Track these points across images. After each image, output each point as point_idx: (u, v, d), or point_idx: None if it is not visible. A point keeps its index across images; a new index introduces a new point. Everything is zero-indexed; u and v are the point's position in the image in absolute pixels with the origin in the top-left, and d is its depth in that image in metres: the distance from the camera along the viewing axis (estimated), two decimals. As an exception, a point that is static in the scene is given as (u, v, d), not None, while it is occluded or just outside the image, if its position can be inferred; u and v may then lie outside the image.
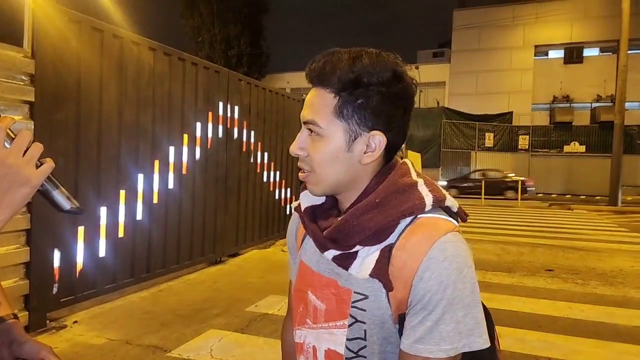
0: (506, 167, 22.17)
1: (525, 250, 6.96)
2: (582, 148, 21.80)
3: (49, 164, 0.64)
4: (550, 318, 3.91)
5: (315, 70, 0.73)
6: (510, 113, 23.21)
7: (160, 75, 4.45)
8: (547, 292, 4.73)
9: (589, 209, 14.19)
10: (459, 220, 0.77)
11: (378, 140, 0.72)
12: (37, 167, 0.63)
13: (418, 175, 0.76)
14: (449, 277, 0.65)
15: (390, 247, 0.70)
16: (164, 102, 4.51)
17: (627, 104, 15.26)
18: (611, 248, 7.30)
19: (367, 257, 0.71)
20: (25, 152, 0.62)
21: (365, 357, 0.73)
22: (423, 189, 0.72)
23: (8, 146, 0.62)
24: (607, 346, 3.31)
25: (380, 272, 0.69)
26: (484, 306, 0.79)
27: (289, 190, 7.26)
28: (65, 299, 3.47)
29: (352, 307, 0.73)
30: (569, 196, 19.98)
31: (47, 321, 3.33)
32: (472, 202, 15.26)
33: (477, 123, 22.50)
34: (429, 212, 0.71)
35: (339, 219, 0.74)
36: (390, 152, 0.76)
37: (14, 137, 0.63)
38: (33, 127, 3.13)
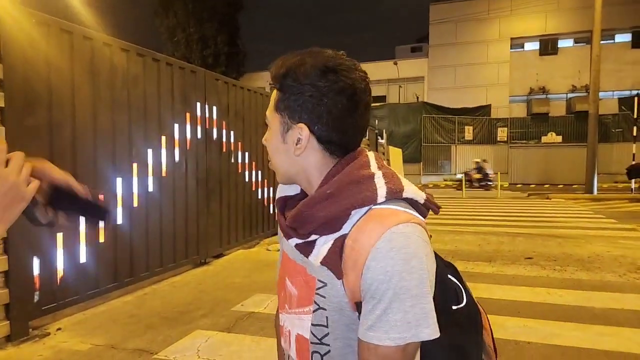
0: (486, 159, 22.59)
1: (505, 240, 7.11)
2: (559, 138, 22.34)
3: (35, 183, 0.70)
4: (529, 304, 4.01)
5: (270, 71, 0.80)
6: (489, 106, 23.65)
7: (134, 77, 4.39)
8: (526, 279, 4.84)
9: (566, 198, 14.56)
10: (429, 212, 0.79)
11: (304, 132, 0.75)
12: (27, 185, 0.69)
13: (380, 167, 0.77)
14: (394, 267, 0.66)
15: (343, 237, 0.72)
16: (139, 104, 4.45)
17: (601, 94, 15.72)
18: (588, 234, 7.50)
19: (322, 245, 0.74)
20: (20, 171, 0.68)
21: (328, 344, 0.75)
22: (379, 180, 0.73)
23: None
24: (585, 329, 3.41)
25: (330, 260, 0.72)
26: (474, 303, 0.82)
27: (271, 189, 7.25)
28: (47, 306, 3.41)
29: (316, 293, 0.76)
30: (547, 186, 20.45)
31: (30, 329, 3.27)
32: (453, 195, 15.50)
33: (456, 117, 22.83)
34: (384, 203, 0.72)
35: (295, 208, 0.77)
36: (331, 145, 0.76)
37: (7, 158, 0.69)
38: (4, 133, 3.06)
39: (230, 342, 3.22)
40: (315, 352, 0.77)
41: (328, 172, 0.77)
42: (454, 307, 0.77)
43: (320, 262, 0.74)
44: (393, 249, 0.66)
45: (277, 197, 0.90)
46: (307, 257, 0.76)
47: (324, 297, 0.75)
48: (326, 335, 0.75)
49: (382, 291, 0.66)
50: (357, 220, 0.71)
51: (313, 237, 0.75)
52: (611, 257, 5.80)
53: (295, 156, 0.77)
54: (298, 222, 0.76)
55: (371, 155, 0.80)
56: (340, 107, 0.74)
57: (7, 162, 0.67)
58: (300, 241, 0.78)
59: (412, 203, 0.75)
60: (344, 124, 0.75)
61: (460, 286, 0.81)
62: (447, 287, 0.78)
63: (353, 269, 0.69)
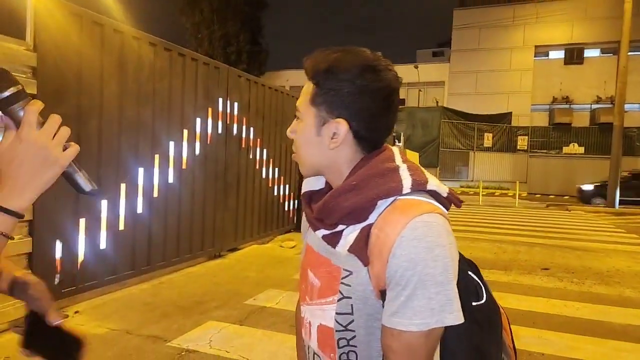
0: (505, 167, 22.24)
1: (522, 249, 7.00)
2: (581, 149, 21.82)
3: (75, 147, 0.67)
4: (545, 315, 3.95)
5: (305, 64, 0.82)
6: (510, 113, 23.24)
7: (160, 71, 4.48)
8: (542, 290, 4.77)
9: (586, 210, 14.25)
10: (451, 205, 0.81)
11: (341, 127, 0.77)
12: (64, 150, 0.66)
13: (404, 161, 0.80)
14: (419, 254, 0.68)
15: (369, 226, 0.74)
16: (164, 98, 4.54)
17: (626, 106, 15.31)
18: (608, 248, 7.33)
19: (349, 235, 0.77)
20: (55, 135, 0.65)
21: (354, 330, 0.77)
22: (404, 172, 0.76)
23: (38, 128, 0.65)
24: (602, 343, 3.34)
25: (357, 248, 0.74)
26: (494, 302, 0.83)
27: (287, 186, 7.29)
28: (67, 289, 3.51)
29: (341, 283, 0.78)
30: (567, 197, 20.03)
31: (48, 311, 3.36)
32: (469, 202, 15.32)
33: (475, 123, 22.53)
34: (409, 194, 0.74)
35: (322, 200, 0.80)
36: (363, 141, 0.80)
37: (43, 120, 0.66)
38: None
39: (242, 335, 3.26)
40: (341, 338, 0.79)
41: (355, 166, 0.79)
42: (474, 304, 0.78)
43: (348, 250, 0.76)
44: (417, 238, 0.69)
45: (302, 191, 0.92)
46: (334, 248, 0.78)
47: (349, 285, 0.77)
48: (351, 322, 0.77)
49: (407, 278, 0.68)
50: (383, 210, 0.74)
51: (340, 227, 0.78)
52: (632, 273, 5.67)
53: (329, 149, 0.79)
54: (324, 213, 0.79)
55: (395, 150, 0.82)
56: (377, 106, 0.77)
57: (42, 124, 0.65)
58: (327, 232, 0.80)
59: (435, 195, 0.77)
60: (378, 122, 0.78)
61: (481, 283, 0.81)
62: (467, 283, 0.79)
63: (379, 257, 0.71)
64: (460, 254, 0.80)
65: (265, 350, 3.03)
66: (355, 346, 0.78)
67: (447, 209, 0.78)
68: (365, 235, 0.74)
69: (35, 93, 3.19)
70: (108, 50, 3.86)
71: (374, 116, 0.78)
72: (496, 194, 20.01)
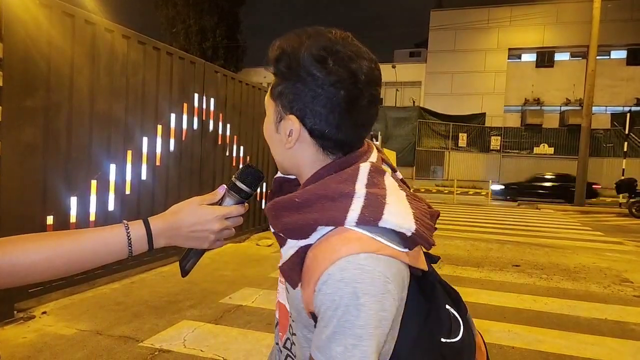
0: (478, 167, 22.72)
1: (494, 247, 7.18)
2: (551, 150, 22.51)
3: (221, 244, 0.80)
4: (515, 310, 4.06)
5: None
6: (484, 114, 23.77)
7: (134, 64, 4.37)
8: (513, 286, 4.90)
9: (555, 209, 14.72)
10: (413, 246, 0.65)
11: (295, 125, 0.67)
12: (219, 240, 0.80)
13: (371, 184, 0.65)
14: (342, 299, 0.59)
15: (307, 248, 0.66)
16: (137, 92, 4.43)
17: (594, 109, 15.92)
18: (575, 245, 7.60)
19: (289, 249, 0.69)
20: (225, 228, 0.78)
21: (295, 333, 0.75)
22: (356, 202, 0.62)
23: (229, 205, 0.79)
24: (568, 336, 3.47)
25: (287, 269, 0.68)
26: (472, 340, 0.74)
27: (264, 184, 7.24)
28: (34, 289, 3.39)
29: (285, 283, 0.74)
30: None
31: (15, 312, 3.25)
32: (444, 200, 15.60)
33: (451, 123, 22.95)
34: (358, 226, 0.62)
35: (269, 202, 0.72)
36: (324, 142, 0.68)
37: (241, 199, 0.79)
38: (0, 112, 3.04)
39: (217, 334, 3.22)
40: (290, 325, 0.77)
41: (316, 172, 0.69)
42: (443, 340, 0.70)
43: (279, 267, 0.69)
44: (344, 280, 0.59)
45: (274, 177, 0.83)
46: (281, 248, 0.72)
47: (287, 292, 0.73)
48: (293, 322, 0.74)
49: (328, 317, 0.60)
50: (324, 234, 0.64)
51: (283, 234, 0.70)
52: (597, 269, 5.88)
53: (287, 149, 0.70)
54: (269, 216, 0.71)
55: (364, 167, 0.67)
56: (336, 100, 0.65)
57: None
58: (275, 230, 0.73)
59: (399, 234, 0.63)
60: (340, 119, 0.66)
61: (459, 319, 0.73)
62: (440, 317, 0.71)
63: (309, 283, 0.63)
64: (442, 283, 0.74)
65: (240, 349, 3.00)
66: (294, 344, 0.76)
67: (411, 249, 0.65)
68: (300, 257, 0.66)
69: (1, 85, 3.06)
70: (79, 42, 3.74)
71: (332, 112, 0.65)
72: (470, 192, 20.41)
